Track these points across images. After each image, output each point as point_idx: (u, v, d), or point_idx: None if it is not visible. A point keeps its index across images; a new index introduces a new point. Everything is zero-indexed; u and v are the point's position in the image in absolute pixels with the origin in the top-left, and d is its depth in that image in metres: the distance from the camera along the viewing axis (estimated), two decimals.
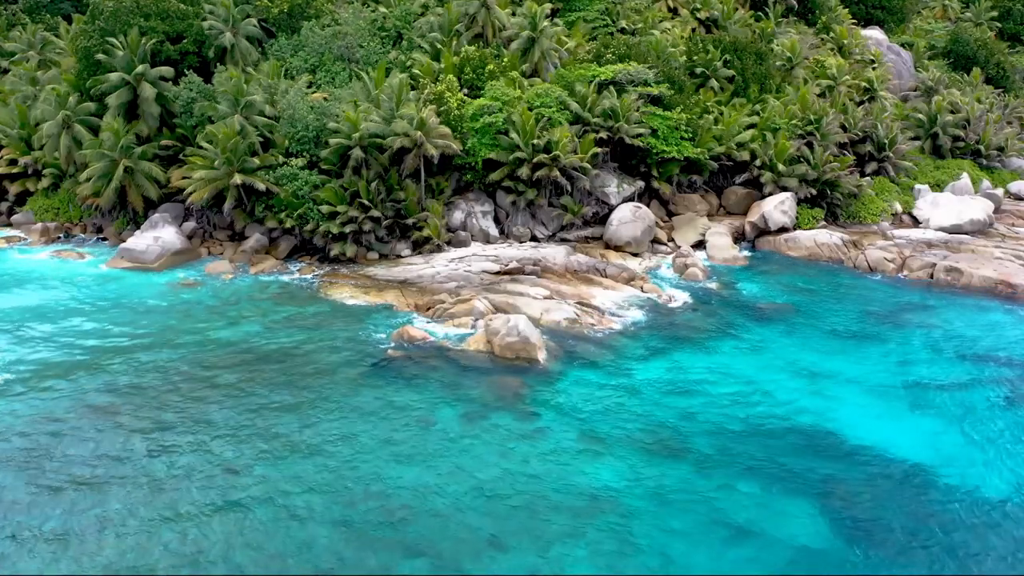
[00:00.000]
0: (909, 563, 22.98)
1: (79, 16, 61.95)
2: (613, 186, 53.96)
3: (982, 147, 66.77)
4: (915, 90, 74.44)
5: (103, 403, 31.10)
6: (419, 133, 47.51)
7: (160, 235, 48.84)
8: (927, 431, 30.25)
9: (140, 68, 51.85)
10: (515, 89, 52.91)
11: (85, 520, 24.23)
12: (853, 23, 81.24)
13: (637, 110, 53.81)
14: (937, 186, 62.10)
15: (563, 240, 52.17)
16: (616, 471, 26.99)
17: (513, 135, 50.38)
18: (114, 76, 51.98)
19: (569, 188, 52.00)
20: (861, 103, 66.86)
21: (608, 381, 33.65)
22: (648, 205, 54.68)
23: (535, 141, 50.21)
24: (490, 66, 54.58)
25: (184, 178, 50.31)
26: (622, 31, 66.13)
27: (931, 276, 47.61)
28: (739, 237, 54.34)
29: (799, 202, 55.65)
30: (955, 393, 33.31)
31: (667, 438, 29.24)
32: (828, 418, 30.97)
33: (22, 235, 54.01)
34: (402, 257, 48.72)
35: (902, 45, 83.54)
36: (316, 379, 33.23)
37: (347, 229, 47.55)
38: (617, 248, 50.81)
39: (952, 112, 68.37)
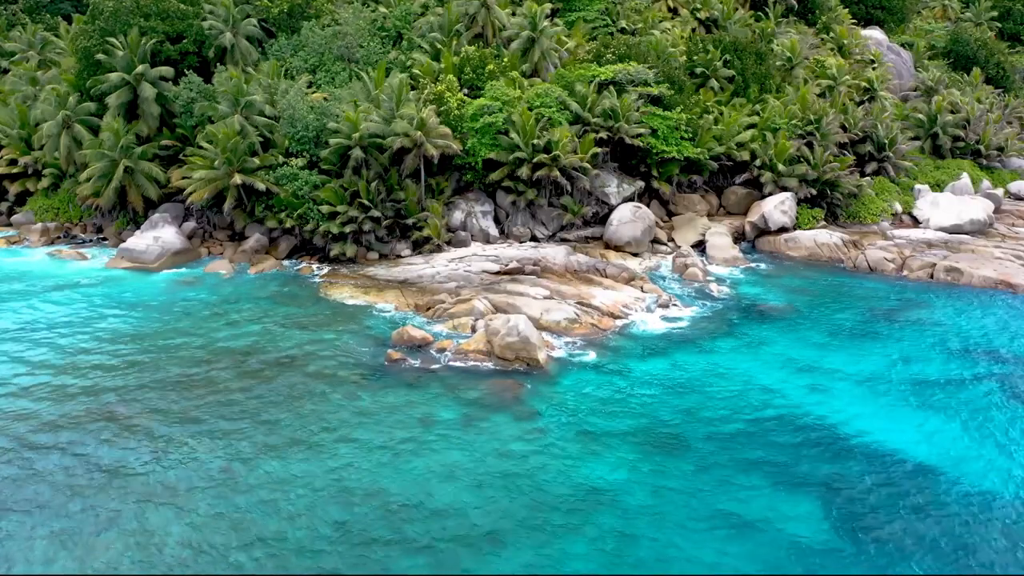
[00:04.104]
0: (909, 561, 22.97)
1: (79, 16, 61.99)
2: (613, 186, 53.98)
3: (982, 147, 66.84)
4: (915, 90, 74.49)
5: (102, 403, 31.08)
6: (419, 133, 47.52)
7: (160, 235, 48.85)
8: (928, 428, 30.24)
9: (140, 68, 51.89)
10: (515, 89, 52.93)
11: (86, 519, 24.23)
12: (853, 23, 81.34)
13: (637, 110, 53.84)
14: (937, 186, 62.15)
15: (563, 240, 52.17)
16: (616, 469, 26.99)
17: (513, 135, 50.40)
18: (114, 76, 52.02)
19: (569, 188, 52.01)
20: (861, 103, 66.93)
21: (608, 380, 33.65)
22: (648, 205, 54.71)
23: (535, 141, 50.23)
24: (490, 66, 54.59)
25: (184, 178, 50.35)
26: (622, 31, 66.17)
27: (931, 276, 47.63)
28: (739, 237, 54.35)
29: (799, 202, 55.67)
30: (955, 390, 33.32)
31: (667, 436, 29.25)
32: (828, 416, 30.97)
33: (22, 235, 54.03)
34: (402, 257, 48.73)
35: (902, 45, 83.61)
36: (316, 379, 33.24)
37: (347, 229, 47.57)
38: (617, 248, 50.82)
39: (952, 112, 68.44)
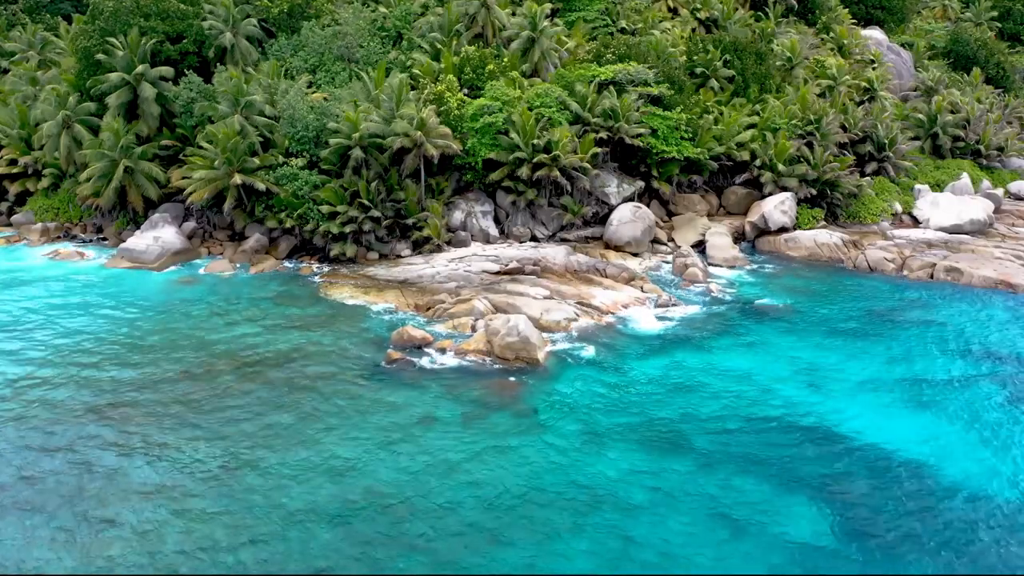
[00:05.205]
0: (909, 561, 22.97)
1: (79, 16, 61.99)
2: (613, 186, 53.97)
3: (982, 147, 66.82)
4: (915, 90, 74.48)
5: (102, 403, 31.10)
6: (419, 133, 47.52)
7: (160, 235, 48.85)
8: (927, 429, 30.24)
9: (140, 68, 51.88)
10: (515, 89, 52.92)
11: (86, 519, 24.24)
12: (853, 23, 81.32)
13: (637, 110, 53.83)
14: (937, 186, 62.14)
15: (563, 240, 52.16)
16: (616, 468, 27.00)
17: (513, 135, 50.39)
18: (114, 76, 52.01)
19: (569, 188, 52.01)
20: (861, 103, 66.91)
21: (608, 380, 33.65)
22: (648, 205, 54.71)
23: (535, 141, 50.22)
24: (490, 66, 54.59)
25: (184, 178, 50.34)
26: (622, 31, 66.17)
27: (931, 276, 47.63)
28: (739, 237, 54.34)
29: (799, 202, 55.66)
30: (955, 391, 33.33)
31: (667, 435, 29.25)
32: (828, 416, 30.96)
33: (22, 235, 54.01)
34: (402, 257, 48.72)
35: (902, 45, 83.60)
36: (316, 379, 33.23)
37: (347, 229, 47.57)
38: (617, 248, 50.81)
39: (952, 112, 68.42)
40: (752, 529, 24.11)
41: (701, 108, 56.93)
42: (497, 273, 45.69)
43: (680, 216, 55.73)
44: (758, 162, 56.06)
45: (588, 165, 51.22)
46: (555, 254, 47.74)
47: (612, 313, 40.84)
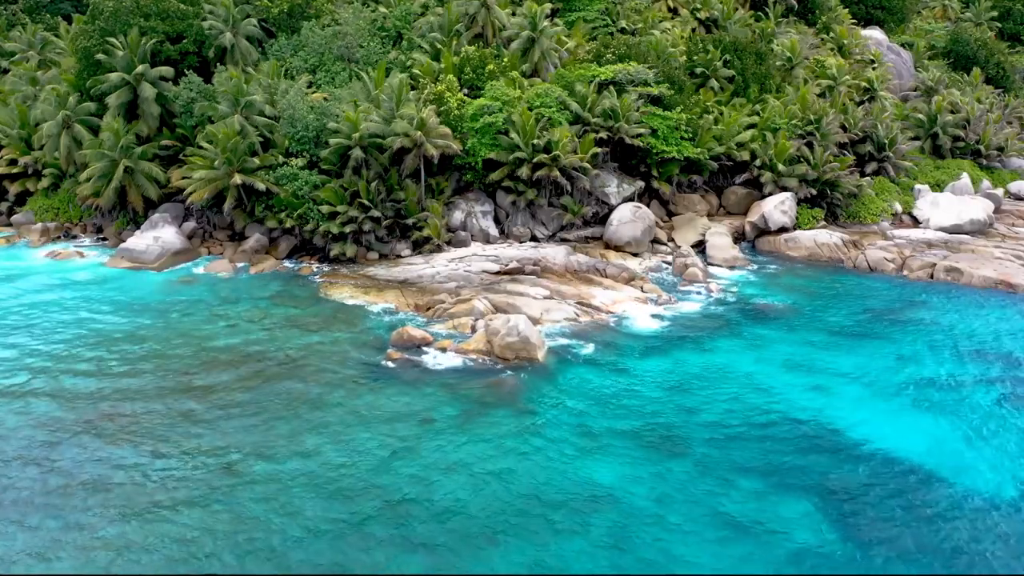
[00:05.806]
0: (908, 562, 22.96)
1: (79, 16, 62.00)
2: (613, 186, 53.97)
3: (982, 147, 66.84)
4: (915, 90, 74.49)
5: (102, 404, 31.07)
6: (419, 133, 47.52)
7: (160, 235, 48.86)
8: (927, 429, 30.24)
9: (140, 68, 51.89)
10: (515, 89, 52.92)
11: (85, 520, 24.23)
12: (853, 23, 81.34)
13: (637, 110, 53.83)
14: (937, 186, 62.15)
15: (563, 240, 52.17)
16: (615, 468, 27.00)
17: (513, 135, 50.39)
18: (114, 76, 52.02)
19: (569, 188, 52.01)
20: (861, 103, 66.92)
21: (608, 380, 33.65)
22: (648, 205, 54.71)
23: (535, 141, 50.22)
24: (490, 66, 54.59)
25: (184, 178, 50.35)
26: (622, 31, 66.18)
27: (931, 276, 47.63)
28: (739, 237, 54.34)
29: (799, 202, 55.66)
30: (955, 391, 33.31)
31: (666, 435, 29.25)
32: (828, 416, 30.96)
33: (22, 235, 54.02)
34: (402, 257, 48.72)
35: (902, 45, 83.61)
36: (316, 379, 33.22)
37: (347, 229, 47.57)
38: (617, 248, 50.81)
39: (952, 112, 68.44)
40: (751, 529, 24.09)
41: (701, 108, 56.94)
42: (497, 273, 45.69)
43: (680, 216, 55.73)
44: (758, 162, 56.07)
45: (588, 165, 51.22)
46: (555, 254, 47.74)
47: (612, 313, 40.84)
